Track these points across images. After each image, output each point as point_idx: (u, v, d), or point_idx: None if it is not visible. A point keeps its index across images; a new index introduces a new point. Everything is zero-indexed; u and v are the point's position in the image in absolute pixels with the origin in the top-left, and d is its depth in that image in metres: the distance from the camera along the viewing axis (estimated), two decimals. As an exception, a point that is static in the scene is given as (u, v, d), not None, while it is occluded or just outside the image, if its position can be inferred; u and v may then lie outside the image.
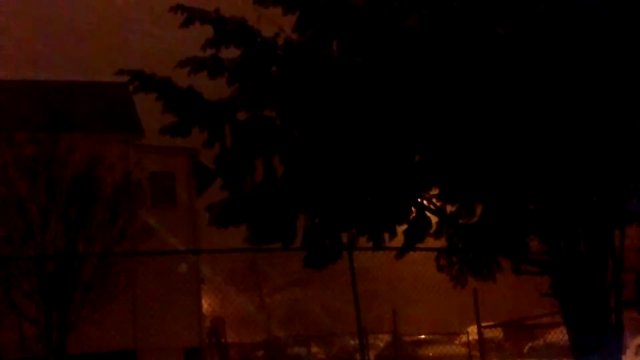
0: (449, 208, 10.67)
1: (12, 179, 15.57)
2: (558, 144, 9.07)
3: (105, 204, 15.62)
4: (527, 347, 21.73)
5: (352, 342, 22.06)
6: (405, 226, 10.44)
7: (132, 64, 10.36)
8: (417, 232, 10.44)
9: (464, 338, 17.80)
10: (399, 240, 10.61)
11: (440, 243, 11.04)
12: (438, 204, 10.67)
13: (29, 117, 17.89)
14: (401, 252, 10.67)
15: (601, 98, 8.77)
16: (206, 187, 10.25)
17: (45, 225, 15.25)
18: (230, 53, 9.98)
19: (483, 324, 12.85)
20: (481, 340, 12.74)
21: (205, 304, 29.03)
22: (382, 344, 20.11)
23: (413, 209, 10.44)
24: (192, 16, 9.66)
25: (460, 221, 10.67)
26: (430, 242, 10.89)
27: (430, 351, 19.44)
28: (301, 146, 9.82)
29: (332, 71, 9.34)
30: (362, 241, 10.45)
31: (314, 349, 26.36)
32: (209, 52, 9.94)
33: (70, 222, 15.25)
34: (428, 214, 10.60)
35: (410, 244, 10.52)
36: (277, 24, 9.74)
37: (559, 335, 13.12)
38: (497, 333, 18.75)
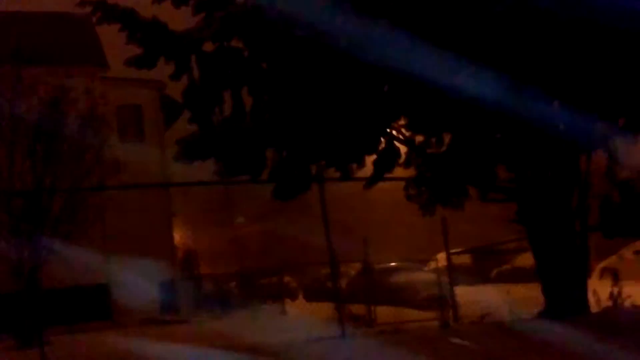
0: (418, 138, 10.72)
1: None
2: (526, 71, 9.07)
3: (72, 139, 15.41)
4: (494, 272, 22.23)
5: (323, 271, 22.41)
6: (374, 156, 10.50)
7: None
8: (386, 162, 10.50)
9: (433, 265, 18.11)
10: (368, 170, 10.68)
11: (409, 173, 11.12)
12: (407, 134, 10.70)
13: (-10, 51, 17.48)
14: (370, 182, 10.74)
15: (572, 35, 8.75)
16: (174, 120, 10.20)
17: (11, 161, 15.04)
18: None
19: (451, 251, 13.04)
20: (450, 266, 12.96)
21: (178, 237, 29.12)
22: (353, 272, 20.43)
23: (382, 139, 10.47)
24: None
25: (429, 151, 10.74)
26: (399, 171, 10.96)
27: (401, 278, 19.77)
28: (270, 78, 9.74)
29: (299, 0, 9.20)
30: (331, 172, 10.49)
31: (287, 279, 26.73)
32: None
33: (37, 158, 15.06)
34: (397, 144, 10.65)
35: (379, 174, 10.59)
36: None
37: (525, 260, 13.41)
38: (465, 259, 19.10)
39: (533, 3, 8.34)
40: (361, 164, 10.32)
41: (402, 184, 11.25)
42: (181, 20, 9.96)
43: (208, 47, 9.68)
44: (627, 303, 10.00)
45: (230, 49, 9.68)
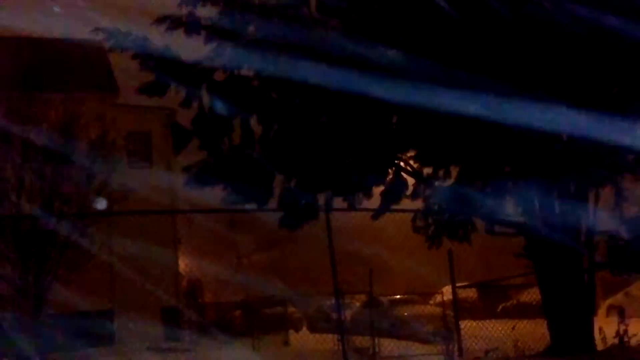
0: (426, 170, 10.73)
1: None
2: (536, 107, 9.11)
3: (81, 164, 15.50)
4: (500, 307, 22.09)
5: (328, 302, 22.33)
6: (382, 188, 10.50)
7: (108, 21, 10.22)
8: (394, 193, 10.50)
9: (438, 298, 18.03)
10: (376, 202, 10.67)
11: (417, 205, 11.11)
12: (415, 165, 10.72)
13: (3, 75, 17.65)
14: (377, 213, 10.73)
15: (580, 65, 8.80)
16: (183, 147, 10.23)
17: (21, 185, 15.12)
18: (208, 12, 9.89)
19: (457, 285, 12.99)
20: (455, 300, 12.89)
21: (183, 264, 29.07)
22: (358, 304, 20.35)
23: (390, 170, 10.49)
24: (169, -27, 9.55)
25: (437, 183, 10.74)
26: (406, 203, 10.95)
27: (406, 310, 19.67)
28: (279, 107, 9.80)
29: (309, 31, 9.29)
30: (339, 202, 10.50)
31: (291, 309, 26.59)
32: (186, 10, 9.85)
33: (46, 182, 15.15)
34: (405, 175, 10.65)
35: (386, 205, 10.58)
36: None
37: (532, 296, 13.33)
38: (471, 293, 19.01)
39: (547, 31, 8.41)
40: (369, 195, 10.32)
41: (410, 215, 11.24)
42: (193, 48, 10.06)
43: (219, 76, 9.77)
44: (633, 341, 9.91)
45: (240, 77, 9.76)
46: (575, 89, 8.90)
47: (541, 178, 9.81)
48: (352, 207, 10.44)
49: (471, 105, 9.04)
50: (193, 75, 9.65)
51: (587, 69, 8.79)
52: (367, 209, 10.75)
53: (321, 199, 10.36)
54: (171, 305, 23.04)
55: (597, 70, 8.81)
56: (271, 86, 9.84)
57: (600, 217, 10.18)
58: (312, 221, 10.36)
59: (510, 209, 10.56)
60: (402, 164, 10.62)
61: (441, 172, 10.64)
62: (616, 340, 9.90)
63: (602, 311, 15.96)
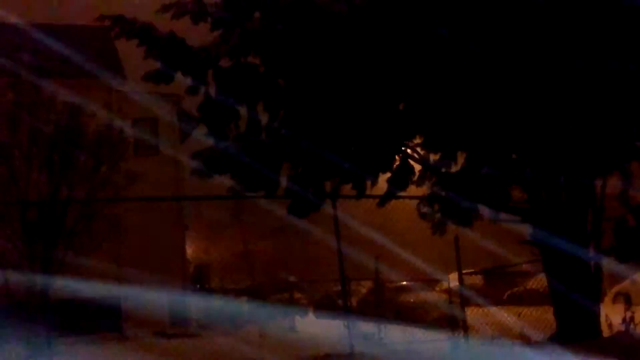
0: (432, 157, 10.72)
1: (-7, 125, 15.39)
2: (544, 93, 9.08)
3: (88, 151, 15.51)
4: (506, 294, 22.08)
5: (334, 289, 22.36)
6: (388, 174, 10.50)
7: (113, 8, 10.23)
8: (400, 180, 10.50)
9: (444, 285, 18.04)
10: (382, 188, 10.68)
11: (423, 191, 11.11)
12: (422, 152, 10.71)
13: (10, 62, 17.64)
14: (384, 199, 10.74)
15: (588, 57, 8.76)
16: (189, 135, 10.24)
17: (28, 171, 15.14)
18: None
19: (463, 272, 12.98)
20: (461, 286, 12.89)
21: (190, 250, 29.16)
22: (364, 290, 20.36)
23: (397, 157, 10.48)
24: (175, -40, 9.52)
25: (443, 170, 10.73)
26: (412, 190, 10.95)
27: (412, 297, 19.69)
28: (286, 94, 9.79)
29: (316, 18, 9.26)
30: (346, 189, 10.51)
31: (297, 295, 26.66)
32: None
33: (53, 168, 15.15)
34: (411, 162, 10.65)
35: (393, 191, 10.59)
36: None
37: (538, 283, 13.34)
38: (477, 280, 19.00)
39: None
40: (375, 182, 10.32)
41: (416, 202, 11.24)
42: (199, 35, 10.05)
43: (225, 62, 9.76)
44: (639, 328, 9.92)
45: (246, 64, 9.74)
46: (584, 75, 8.86)
47: (548, 165, 9.80)
48: (359, 194, 10.45)
49: (479, 90, 9.02)
50: (199, 62, 9.63)
51: (595, 54, 8.74)
52: (373, 196, 10.76)
53: (328, 186, 10.37)
54: (178, 291, 23.11)
55: (605, 56, 8.75)
56: (278, 73, 9.83)
57: (607, 203, 10.17)
58: (319, 208, 10.37)
59: (516, 195, 10.56)
60: (409, 150, 10.61)
61: (448, 159, 10.64)
62: (622, 327, 9.91)
63: (608, 298, 15.94)
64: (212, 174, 9.79)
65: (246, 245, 45.63)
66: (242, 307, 27.28)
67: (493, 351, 9.95)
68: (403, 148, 10.46)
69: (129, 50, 11.49)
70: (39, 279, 14.71)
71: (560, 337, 9.52)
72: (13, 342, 14.47)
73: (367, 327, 14.12)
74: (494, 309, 14.09)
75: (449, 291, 14.88)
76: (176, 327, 21.11)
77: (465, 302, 12.91)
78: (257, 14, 9.69)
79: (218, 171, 9.78)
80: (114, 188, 15.50)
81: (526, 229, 10.45)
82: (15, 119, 15.32)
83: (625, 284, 17.88)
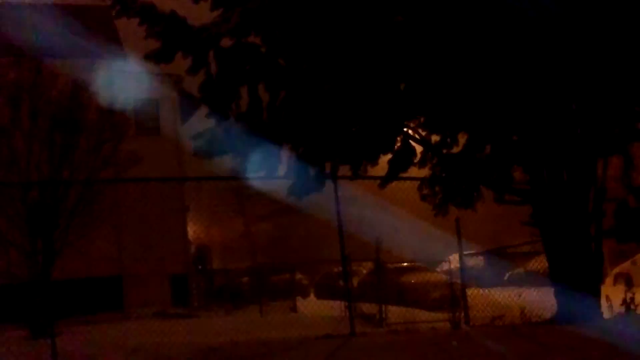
0: (434, 138, 10.70)
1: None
2: (544, 73, 9.04)
3: (90, 131, 15.49)
4: (507, 275, 22.13)
5: (335, 269, 22.41)
6: (389, 155, 10.49)
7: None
8: (402, 161, 10.48)
9: (445, 266, 18.07)
10: (383, 169, 10.67)
11: (424, 172, 11.10)
12: (423, 133, 10.69)
13: (11, 42, 17.59)
14: (385, 181, 10.73)
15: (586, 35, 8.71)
16: (191, 115, 10.22)
17: (29, 152, 15.13)
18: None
19: (464, 253, 13.00)
20: (462, 267, 12.92)
21: (191, 231, 29.19)
22: (365, 271, 20.40)
23: (398, 138, 10.46)
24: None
25: (445, 151, 10.71)
26: (414, 171, 10.94)
27: (412, 278, 19.74)
28: (287, 74, 9.75)
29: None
30: (347, 169, 10.49)
31: (298, 276, 26.73)
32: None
33: (55, 149, 15.14)
34: (413, 143, 10.63)
35: (394, 173, 10.57)
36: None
37: (538, 264, 13.35)
38: (478, 261, 19.03)
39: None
40: (376, 163, 10.31)
41: (417, 183, 11.24)
42: (199, 15, 9.99)
43: (226, 42, 9.71)
44: (640, 309, 9.94)
45: (247, 44, 9.69)
46: (585, 57, 8.81)
47: (549, 146, 9.78)
48: (359, 175, 10.44)
49: (481, 70, 8.98)
50: (200, 42, 9.59)
51: (596, 33, 8.69)
52: (374, 177, 10.75)
53: (329, 167, 10.36)
54: (179, 272, 23.17)
55: (606, 36, 8.71)
56: (279, 53, 9.78)
57: (608, 184, 10.16)
58: (320, 189, 10.36)
59: (518, 176, 10.55)
60: (410, 131, 10.59)
61: (449, 140, 10.62)
62: (623, 309, 9.92)
63: (609, 279, 15.95)
64: (213, 155, 9.78)
65: (247, 226, 45.75)
66: (243, 287, 27.40)
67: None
68: (404, 129, 10.43)
69: (130, 29, 11.44)
70: (41, 260, 14.75)
71: (561, 318, 9.54)
72: (15, 323, 14.53)
73: (368, 307, 14.16)
74: (494, 290, 14.13)
75: (449, 272, 14.91)
76: (177, 307, 21.19)
77: (466, 283, 12.94)
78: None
79: (219, 152, 9.76)
80: (115, 169, 15.52)
81: (527, 210, 10.45)
82: (17, 99, 15.30)
83: (625, 265, 17.89)
